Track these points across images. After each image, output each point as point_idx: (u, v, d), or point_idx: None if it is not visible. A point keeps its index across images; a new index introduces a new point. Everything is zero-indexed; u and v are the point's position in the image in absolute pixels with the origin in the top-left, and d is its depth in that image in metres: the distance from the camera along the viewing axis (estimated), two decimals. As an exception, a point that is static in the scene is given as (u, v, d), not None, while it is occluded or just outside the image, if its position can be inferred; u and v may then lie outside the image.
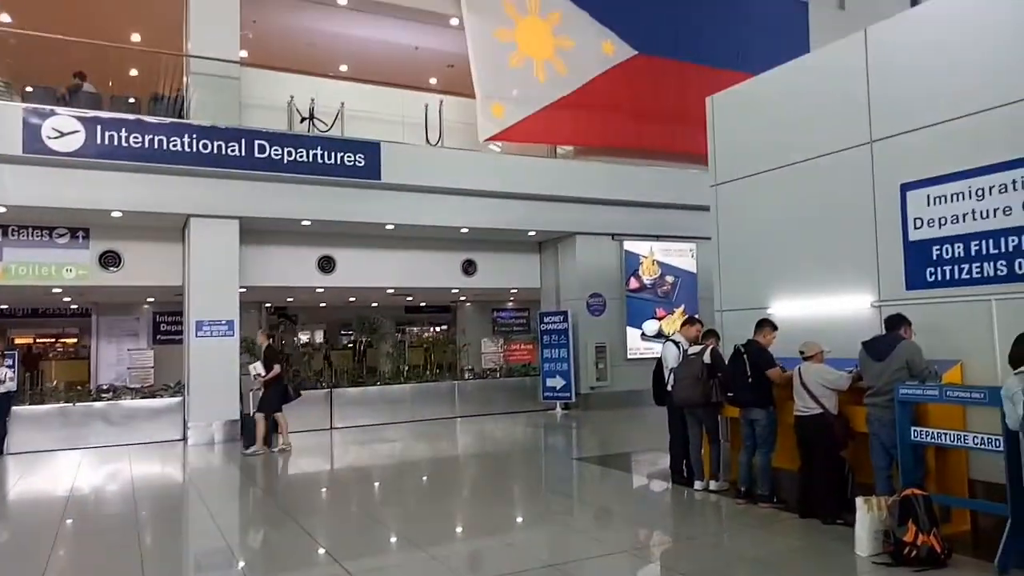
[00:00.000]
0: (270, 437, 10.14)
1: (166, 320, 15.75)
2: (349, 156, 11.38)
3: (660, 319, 14.25)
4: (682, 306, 14.38)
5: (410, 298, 19.56)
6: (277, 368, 9.98)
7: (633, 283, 14.13)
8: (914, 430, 5.03)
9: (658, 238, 14.34)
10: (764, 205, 7.50)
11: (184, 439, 11.02)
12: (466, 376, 14.46)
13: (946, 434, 4.87)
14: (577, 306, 13.76)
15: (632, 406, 13.22)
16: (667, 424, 7.50)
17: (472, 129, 12.75)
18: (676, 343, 7.35)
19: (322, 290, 14.14)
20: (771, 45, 14.52)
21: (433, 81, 16.31)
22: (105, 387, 12.60)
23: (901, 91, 6.21)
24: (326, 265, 12.78)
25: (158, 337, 15.74)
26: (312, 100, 12.35)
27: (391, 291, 15.76)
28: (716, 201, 8.11)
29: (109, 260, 11.28)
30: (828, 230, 6.78)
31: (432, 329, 23.50)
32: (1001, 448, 4.44)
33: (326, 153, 11.24)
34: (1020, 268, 5.27)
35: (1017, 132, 5.31)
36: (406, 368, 14.77)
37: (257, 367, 10.03)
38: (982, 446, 4.65)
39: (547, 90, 13.22)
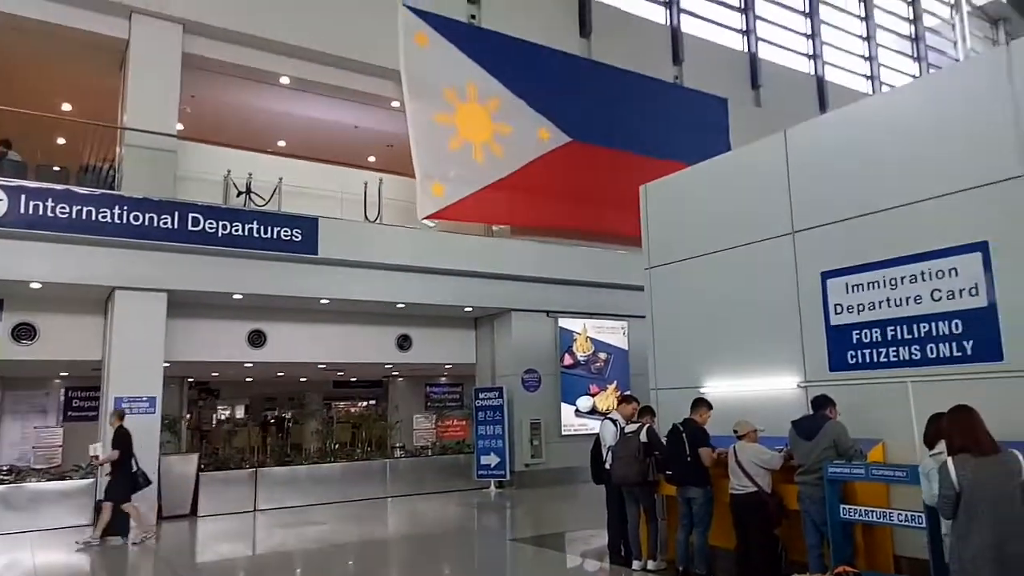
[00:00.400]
0: (118, 525, 9.23)
1: (79, 396, 14.87)
2: (286, 231, 11.33)
3: (593, 395, 14.43)
4: (614, 382, 14.62)
5: (341, 372, 19.16)
6: (115, 452, 9.14)
7: (567, 359, 14.32)
8: (843, 508, 5.25)
9: (591, 316, 14.66)
10: (696, 288, 7.86)
11: (94, 524, 10.28)
12: (398, 454, 14.14)
13: (873, 511, 5.11)
14: (512, 382, 13.80)
15: (567, 484, 13.18)
16: (604, 502, 7.53)
17: (410, 207, 12.94)
18: (614, 421, 7.45)
19: (251, 365, 13.73)
20: (695, 136, 15.53)
21: (372, 159, 16.58)
22: (6, 468, 11.69)
23: (818, 187, 6.75)
24: (256, 339, 12.49)
25: (69, 414, 14.81)
26: (250, 175, 12.33)
27: (322, 366, 15.44)
28: (650, 284, 8.44)
29: (23, 333, 10.70)
30: (757, 313, 7.15)
31: (362, 404, 22.97)
32: (923, 524, 4.68)
33: (263, 227, 11.16)
34: (931, 353, 5.71)
35: (923, 228, 5.84)
36: (334, 445, 14.35)
37: (96, 448, 9.41)
38: (906, 523, 4.90)
39: (485, 172, 13.60)
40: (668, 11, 18.60)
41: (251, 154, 13.37)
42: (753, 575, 5.81)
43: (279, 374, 17.95)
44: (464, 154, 13.49)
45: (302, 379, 19.82)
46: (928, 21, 25.57)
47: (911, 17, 25.22)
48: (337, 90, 13.67)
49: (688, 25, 18.84)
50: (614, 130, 15.15)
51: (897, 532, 5.45)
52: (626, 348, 14.91)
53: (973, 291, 5.50)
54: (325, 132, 15.68)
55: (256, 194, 12.34)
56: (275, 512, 11.62)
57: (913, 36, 25.10)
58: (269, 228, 11.22)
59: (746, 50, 20.05)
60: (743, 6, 20.40)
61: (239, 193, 12.33)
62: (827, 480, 5.31)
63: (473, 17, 14.84)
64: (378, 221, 13.03)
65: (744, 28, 20.22)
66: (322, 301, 12.23)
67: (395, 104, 13.76)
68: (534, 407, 13.83)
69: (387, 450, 14.40)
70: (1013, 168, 5.36)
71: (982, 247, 5.46)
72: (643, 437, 6.89)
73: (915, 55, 24.95)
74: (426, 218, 13.16)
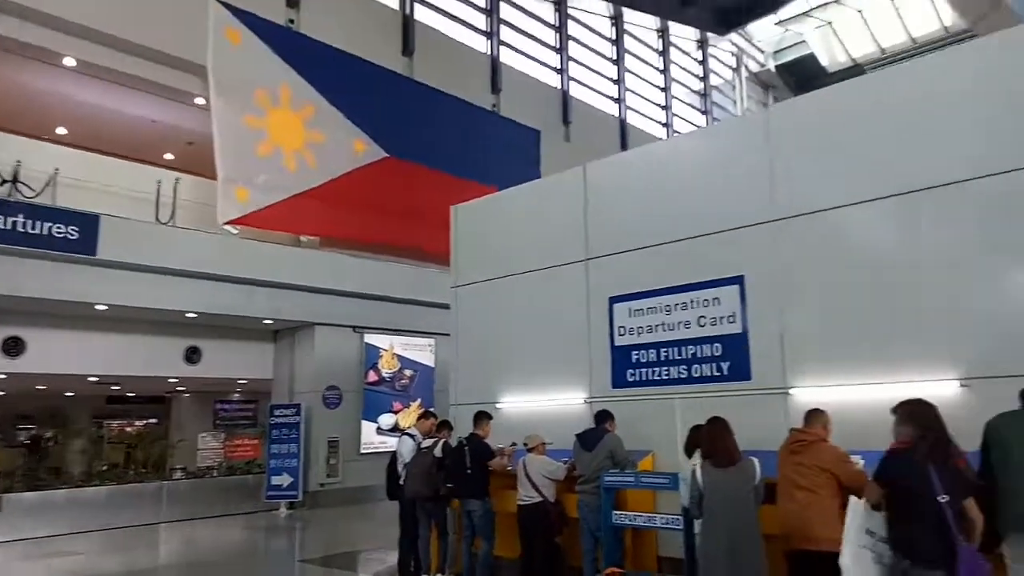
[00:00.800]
0: None
1: None
2: (60, 227, 10.14)
3: (397, 413, 14.33)
4: (419, 400, 14.63)
5: (117, 387, 17.37)
6: None
7: (372, 376, 14.12)
8: (615, 514, 5.67)
9: (400, 332, 14.61)
10: (498, 308, 8.14)
11: None
12: (177, 475, 13.07)
13: (640, 516, 5.57)
14: (311, 399, 13.32)
15: (364, 503, 12.92)
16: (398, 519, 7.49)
17: (210, 210, 12.14)
18: (412, 436, 7.47)
19: (3, 376, 12.06)
20: (508, 163, 16.13)
21: (170, 157, 15.39)
22: None
23: (610, 219, 7.31)
24: (13, 348, 11.02)
25: None
26: (18, 162, 10.92)
27: (94, 379, 13.93)
28: (456, 301, 8.63)
29: None
30: (552, 333, 7.56)
31: (140, 422, 20.90)
32: (681, 527, 5.18)
33: (30, 222, 9.89)
34: (696, 372, 6.38)
35: (694, 261, 6.54)
36: (103, 467, 12.97)
37: None
38: (667, 525, 5.39)
39: (295, 180, 13.13)
40: (489, 41, 19.28)
41: (22, 139, 11.85)
42: (535, 583, 6.06)
43: (39, 387, 15.90)
44: (274, 160, 12.94)
45: (68, 394, 17.71)
46: (714, 80, 28.73)
47: (701, 75, 28.20)
48: (132, 79, 12.52)
49: (507, 57, 19.63)
50: (430, 150, 15.32)
51: (661, 534, 5.97)
52: (433, 365, 15.01)
53: (731, 319, 6.23)
54: (116, 123, 14.32)
55: (25, 184, 10.95)
56: (21, 543, 10.20)
57: (702, 92, 28.06)
58: (38, 223, 9.99)
59: (559, 87, 21.27)
60: (558, 46, 21.65)
61: (3, 182, 10.87)
62: (603, 488, 5.70)
63: (292, 21, 14.38)
64: (171, 223, 12.09)
65: (559, 67, 21.45)
66: (98, 307, 11.08)
67: (199, 101, 12.91)
68: (333, 424, 13.44)
69: (165, 472, 13.26)
70: (767, 214, 6.17)
71: (739, 280, 6.22)
72: (438, 452, 6.98)
73: (703, 109, 27.88)
74: (228, 223, 12.43)
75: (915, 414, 3.64)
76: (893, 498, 3.50)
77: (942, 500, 3.27)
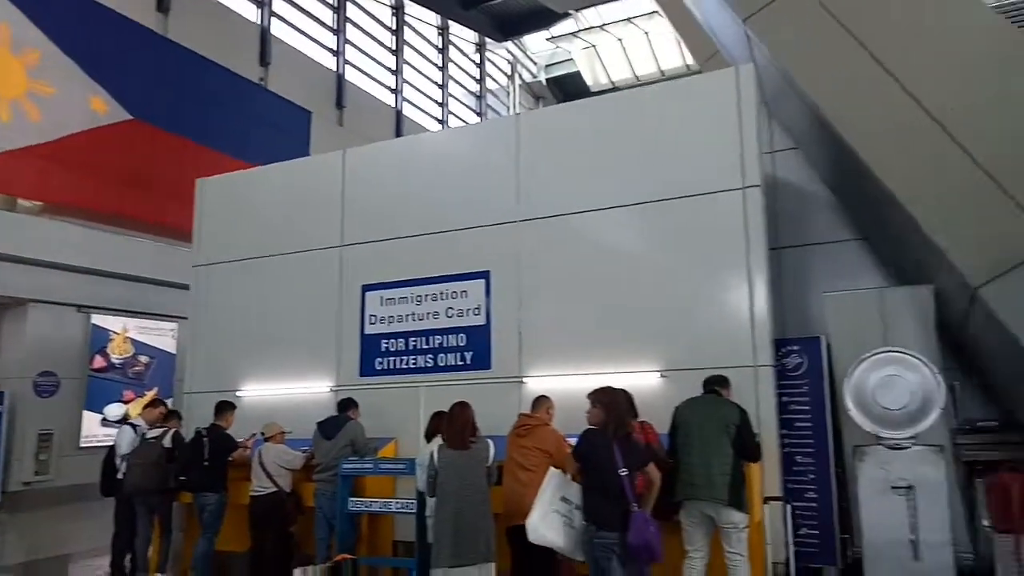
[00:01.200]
0: None
1: None
2: None
3: (127, 402, 12.96)
4: (155, 388, 13.38)
5: None
6: None
7: (99, 361, 12.62)
8: (351, 500, 5.68)
9: (135, 314, 13.22)
10: (243, 291, 7.74)
11: None
12: None
13: (375, 502, 5.65)
14: (19, 386, 11.57)
15: (83, 501, 11.42)
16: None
17: None
18: (134, 426, 6.88)
19: None
20: (273, 141, 15.30)
21: None
22: None
23: (366, 206, 7.29)
24: None
25: None
26: None
27: None
28: (196, 282, 8.06)
29: None
30: (301, 319, 7.36)
31: None
32: (415, 510, 5.33)
33: None
34: (442, 361, 6.61)
35: (446, 254, 6.76)
36: None
37: None
38: (402, 510, 5.52)
39: (11, 134, 11.28)
40: (260, 11, 18.17)
41: None
42: (266, 574, 5.87)
43: None
44: (-19, 107, 11.07)
45: None
46: (490, 84, 29.80)
47: (478, 77, 29.10)
48: None
49: (278, 30, 18.65)
50: (184, 117, 14.02)
51: (397, 519, 6.08)
52: (174, 352, 13.81)
53: (476, 311, 6.54)
54: None
55: None
56: None
57: (478, 94, 28.96)
58: None
59: (335, 70, 20.67)
60: (336, 27, 21.04)
61: None
62: (340, 476, 5.69)
63: (16, -51, 12.37)
64: None
65: (335, 49, 20.83)
66: None
67: None
68: (47, 415, 11.75)
69: None
70: (512, 214, 6.56)
71: (486, 275, 6.55)
72: (167, 442, 6.50)
73: (478, 110, 28.80)
74: (-87, 176, 10.41)
75: (604, 399, 4.14)
76: (585, 471, 3.94)
77: (622, 473, 3.75)
